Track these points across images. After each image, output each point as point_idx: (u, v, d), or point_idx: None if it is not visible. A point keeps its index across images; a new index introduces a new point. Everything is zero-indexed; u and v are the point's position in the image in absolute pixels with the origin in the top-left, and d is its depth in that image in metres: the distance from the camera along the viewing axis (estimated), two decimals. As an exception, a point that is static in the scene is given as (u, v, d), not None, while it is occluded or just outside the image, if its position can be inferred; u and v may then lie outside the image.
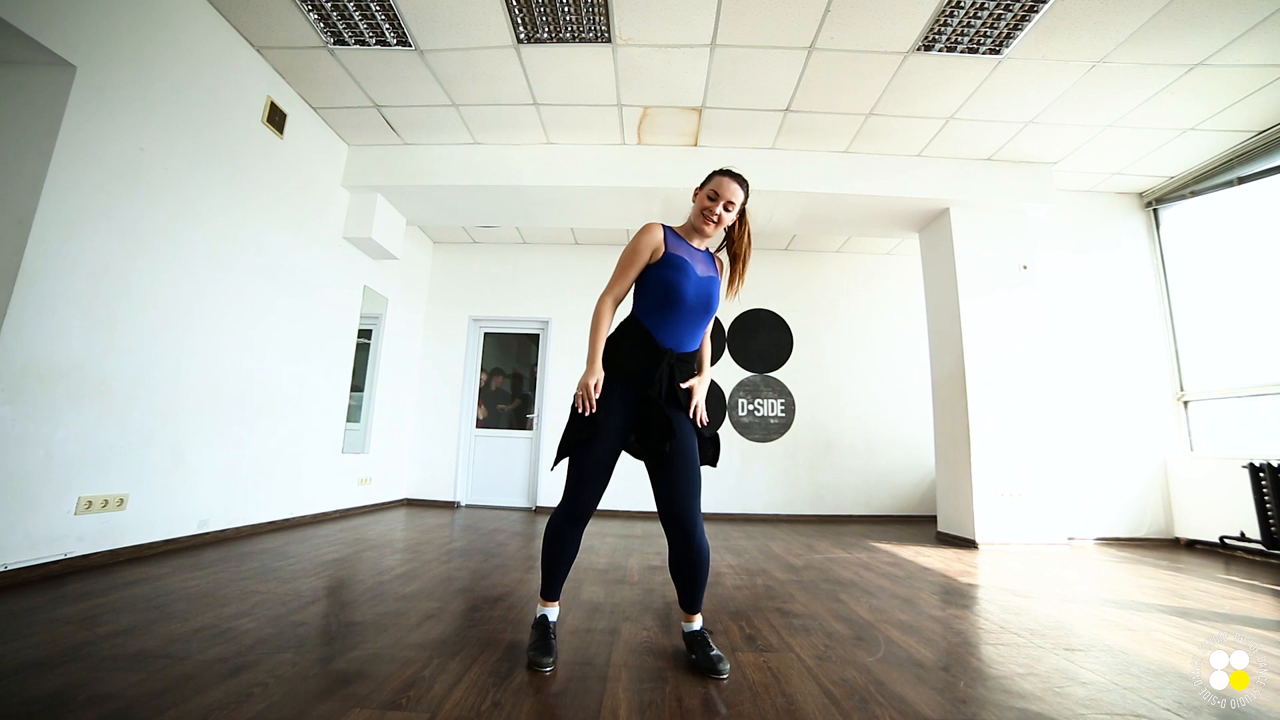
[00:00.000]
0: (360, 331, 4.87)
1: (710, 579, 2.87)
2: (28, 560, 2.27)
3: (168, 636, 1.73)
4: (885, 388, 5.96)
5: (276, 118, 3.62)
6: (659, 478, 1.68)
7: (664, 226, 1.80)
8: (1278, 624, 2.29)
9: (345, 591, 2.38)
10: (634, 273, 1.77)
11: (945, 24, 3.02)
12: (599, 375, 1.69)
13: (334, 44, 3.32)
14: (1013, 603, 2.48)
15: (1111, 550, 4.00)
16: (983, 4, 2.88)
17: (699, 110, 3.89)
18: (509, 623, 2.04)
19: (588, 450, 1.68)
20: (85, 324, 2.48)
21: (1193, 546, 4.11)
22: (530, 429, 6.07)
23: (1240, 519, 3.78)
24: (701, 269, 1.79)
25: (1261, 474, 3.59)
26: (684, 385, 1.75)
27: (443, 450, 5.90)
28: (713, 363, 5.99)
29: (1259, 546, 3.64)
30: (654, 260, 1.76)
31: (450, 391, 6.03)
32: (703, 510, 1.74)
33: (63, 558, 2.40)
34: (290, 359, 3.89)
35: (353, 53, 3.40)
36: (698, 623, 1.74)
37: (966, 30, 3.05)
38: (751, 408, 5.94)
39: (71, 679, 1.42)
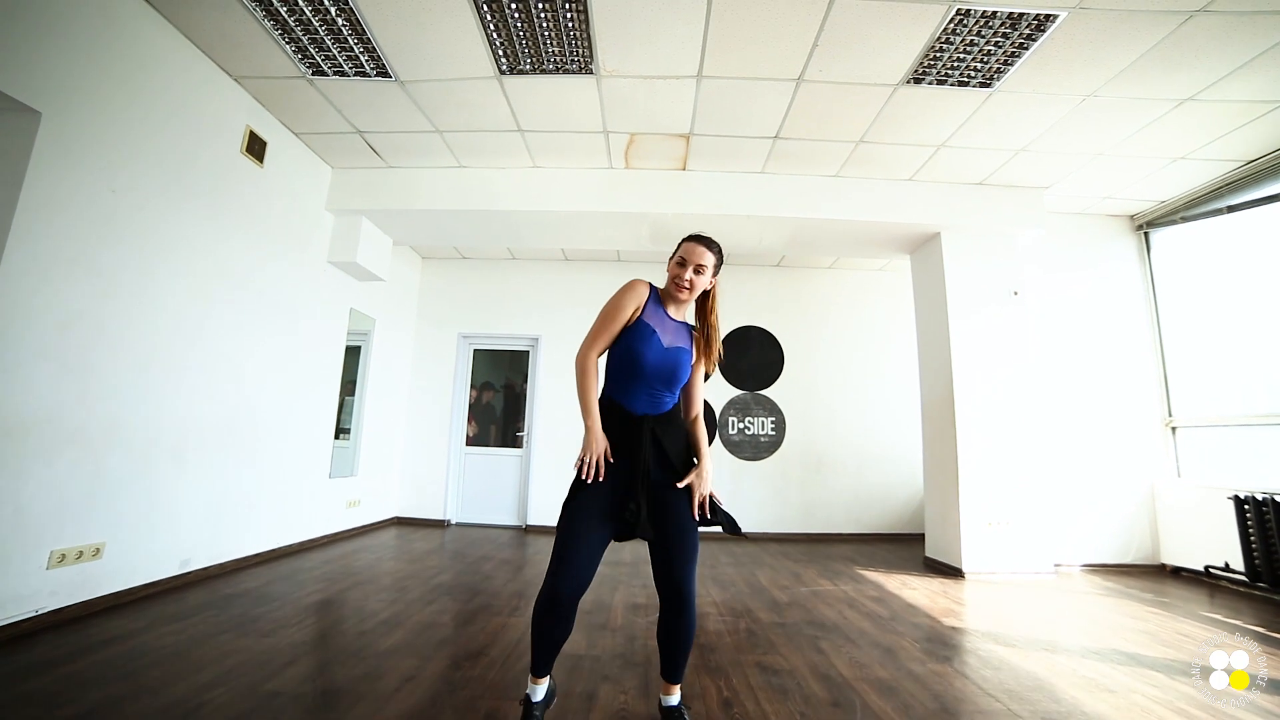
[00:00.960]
0: (349, 349, 4.83)
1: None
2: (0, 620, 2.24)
3: (136, 719, 1.71)
4: (876, 405, 5.95)
5: (256, 146, 3.56)
6: (656, 545, 1.66)
7: (651, 287, 1.79)
8: (1254, 679, 2.30)
9: (325, 647, 2.36)
10: (615, 328, 1.74)
11: (935, 58, 2.98)
12: (604, 442, 1.66)
13: (313, 74, 3.26)
14: (994, 655, 2.48)
15: (1098, 578, 4.01)
16: (973, 40, 2.84)
17: (687, 137, 3.85)
18: (486, 685, 2.02)
19: (570, 532, 1.62)
20: (56, 374, 2.44)
21: (1178, 574, 4.13)
22: (520, 447, 6.05)
23: (1225, 549, 3.79)
24: (670, 339, 1.75)
25: (1246, 506, 3.60)
26: (680, 485, 1.70)
27: (432, 468, 5.87)
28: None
29: (1243, 577, 3.66)
30: (630, 322, 1.74)
31: (440, 409, 6.00)
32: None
33: (34, 614, 2.37)
34: (275, 389, 3.85)
35: (332, 83, 3.33)
36: (676, 697, 1.72)
37: (957, 65, 3.02)
38: (741, 426, 5.93)
39: (32, 780, 1.40)
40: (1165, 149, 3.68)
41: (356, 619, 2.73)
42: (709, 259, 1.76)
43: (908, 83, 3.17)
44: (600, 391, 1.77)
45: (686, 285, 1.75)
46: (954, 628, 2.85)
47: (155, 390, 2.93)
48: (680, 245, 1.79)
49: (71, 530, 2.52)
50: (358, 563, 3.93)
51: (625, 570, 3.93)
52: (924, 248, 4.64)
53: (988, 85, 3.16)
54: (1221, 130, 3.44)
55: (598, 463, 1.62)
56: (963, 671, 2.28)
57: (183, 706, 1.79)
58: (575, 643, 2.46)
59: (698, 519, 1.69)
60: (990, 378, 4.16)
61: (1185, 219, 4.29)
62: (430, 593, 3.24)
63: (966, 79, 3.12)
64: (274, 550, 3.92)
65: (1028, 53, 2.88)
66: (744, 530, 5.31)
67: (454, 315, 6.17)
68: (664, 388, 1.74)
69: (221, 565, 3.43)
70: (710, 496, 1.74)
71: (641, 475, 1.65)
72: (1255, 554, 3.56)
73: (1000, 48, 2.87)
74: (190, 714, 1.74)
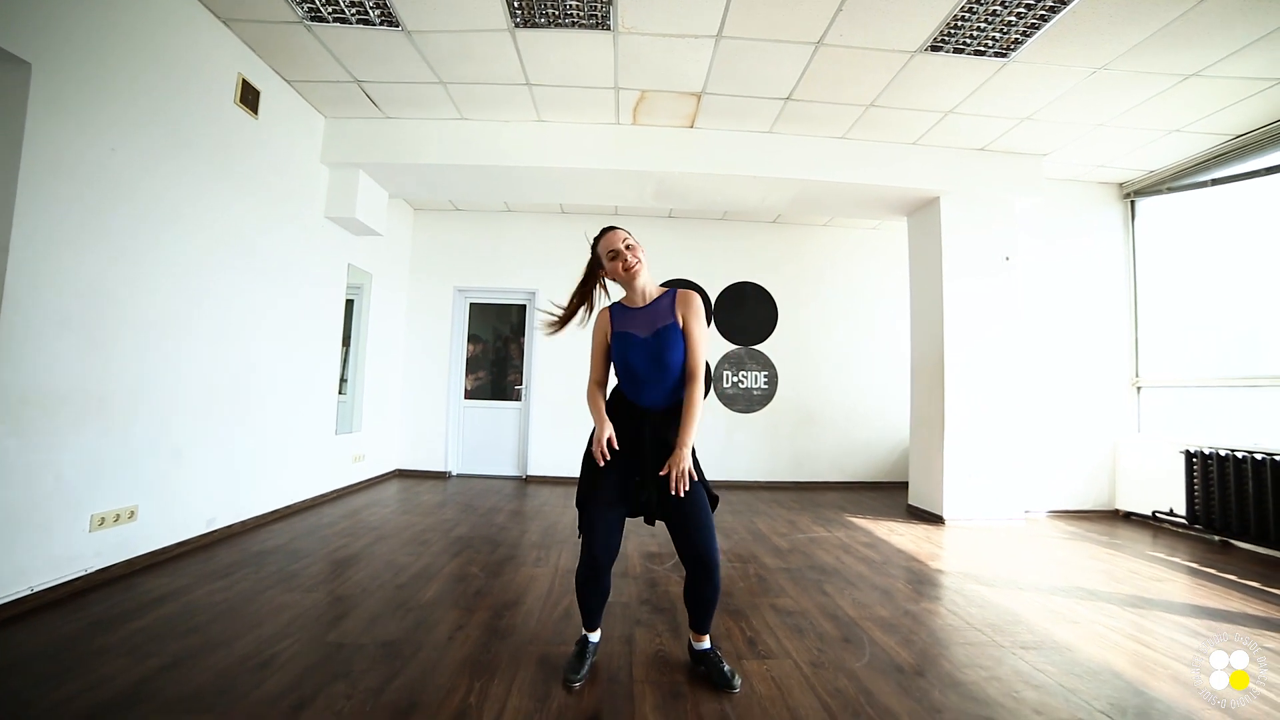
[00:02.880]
0: (345, 303, 4.77)
1: (706, 568, 3.12)
2: (51, 580, 2.33)
3: (217, 669, 1.85)
4: (863, 361, 6.20)
5: (250, 96, 3.37)
6: (672, 523, 1.83)
7: (610, 308, 1.97)
8: (1186, 606, 2.67)
9: (369, 600, 2.51)
10: (602, 359, 1.96)
11: (957, 27, 2.97)
12: (609, 429, 1.83)
13: (311, 20, 3.07)
14: (977, 593, 2.79)
15: (1061, 523, 4.43)
16: (997, 10, 2.84)
17: (698, 95, 3.78)
18: (530, 633, 2.22)
19: (588, 508, 1.85)
20: (79, 344, 2.42)
21: (1129, 518, 4.58)
22: (519, 400, 6.15)
23: (1171, 496, 4.21)
24: (645, 330, 1.86)
25: (1194, 459, 3.98)
26: (661, 473, 1.78)
27: (432, 422, 5.96)
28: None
29: (1183, 521, 4.09)
30: (609, 341, 1.94)
31: (438, 363, 6.03)
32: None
33: (83, 574, 2.46)
34: (280, 348, 3.84)
35: (331, 30, 3.15)
36: (706, 642, 1.93)
37: (977, 34, 3.02)
38: (736, 380, 6.13)
39: (146, 727, 1.54)
40: (1163, 121, 3.79)
41: (390, 572, 2.88)
42: (624, 234, 1.91)
43: (926, 50, 3.17)
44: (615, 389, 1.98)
45: (632, 265, 1.88)
46: (939, 570, 3.17)
47: (171, 355, 2.91)
48: (596, 246, 1.94)
49: (107, 495, 2.57)
50: (373, 517, 4.07)
51: (633, 520, 4.16)
52: (922, 211, 4.73)
53: (1004, 55, 3.18)
54: (1218, 105, 3.55)
55: (605, 446, 1.80)
56: (951, 609, 2.58)
57: (257, 657, 1.93)
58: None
59: (676, 493, 1.75)
60: (979, 339, 4.39)
61: (1171, 189, 4.47)
62: (452, 545, 3.41)
63: (984, 48, 3.13)
64: (290, 506, 4.03)
65: (1048, 24, 2.90)
66: (738, 478, 5.66)
67: (449, 268, 6.08)
68: (659, 371, 1.84)
69: (243, 523, 3.53)
70: (693, 471, 1.79)
71: (644, 463, 1.82)
72: (1196, 501, 3.97)
73: (1022, 19, 2.88)
74: (266, 664, 1.89)
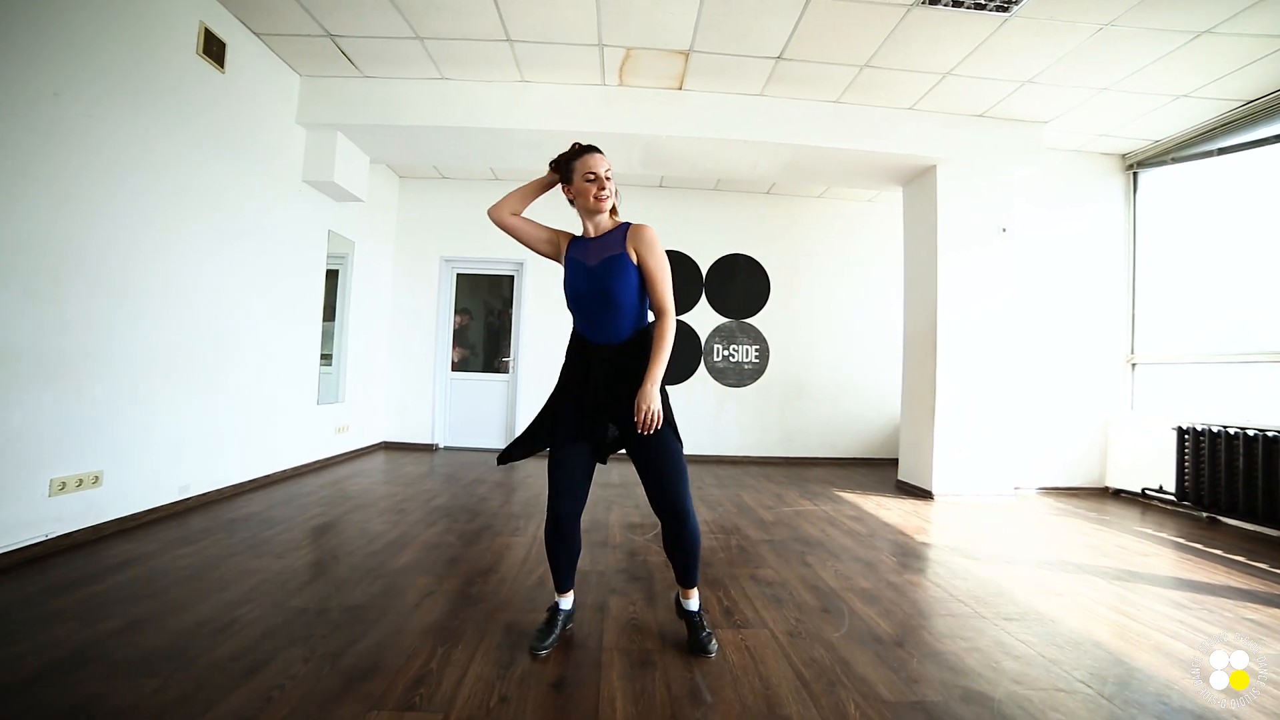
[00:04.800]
0: (328, 273, 4.65)
1: (688, 539, 3.07)
2: (7, 545, 2.25)
3: (174, 632, 1.79)
4: (854, 335, 6.11)
5: (214, 48, 3.21)
6: (643, 472, 1.76)
7: (573, 237, 1.86)
8: (1171, 580, 2.63)
9: (339, 566, 2.46)
10: (533, 223, 1.87)
11: (955, -23, 2.82)
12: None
13: (276, -37, 2.90)
14: (961, 566, 2.74)
15: (1050, 500, 4.39)
16: (997, -42, 2.69)
17: (686, 54, 3.62)
18: (501, 600, 2.17)
19: (553, 459, 1.78)
20: (28, 301, 2.31)
21: (1118, 495, 4.55)
22: (507, 372, 6.07)
23: (1161, 473, 4.17)
24: (594, 258, 1.75)
25: (1186, 436, 3.92)
26: (635, 419, 1.66)
27: (419, 393, 5.89)
28: (688, 309, 6.00)
29: (1172, 498, 4.06)
30: (561, 259, 1.85)
31: (425, 334, 5.93)
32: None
33: (44, 539, 2.39)
34: (257, 314, 3.73)
35: (299, -26, 2.98)
36: (694, 601, 1.86)
37: (976, -15, 2.86)
38: (726, 353, 6.05)
39: (88, 690, 1.47)
40: (1171, 85, 3.64)
41: (364, 540, 2.83)
42: (608, 161, 1.78)
43: (923, 3, 3.01)
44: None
45: (606, 194, 1.75)
46: (925, 543, 3.13)
47: (132, 317, 2.80)
48: (574, 164, 1.75)
49: (68, 459, 2.49)
50: (353, 487, 4.01)
51: (616, 491, 4.12)
52: (918, 180, 4.60)
53: (1005, 10, 3.02)
54: (1230, 67, 3.41)
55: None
56: (935, 581, 2.54)
57: (216, 621, 1.87)
58: (580, 560, 2.61)
59: (643, 433, 1.67)
60: (973, 313, 4.30)
61: (1176, 160, 4.33)
62: (430, 514, 3.36)
63: (985, 1, 2.97)
64: (269, 475, 3.96)
65: (1053, -26, 2.75)
66: (727, 451, 5.60)
67: (435, 238, 5.95)
68: (604, 301, 1.73)
69: (220, 490, 3.47)
70: (660, 413, 1.68)
71: (596, 399, 1.73)
72: (1186, 477, 3.93)
73: (1026, -33, 2.73)
74: (225, 628, 1.83)
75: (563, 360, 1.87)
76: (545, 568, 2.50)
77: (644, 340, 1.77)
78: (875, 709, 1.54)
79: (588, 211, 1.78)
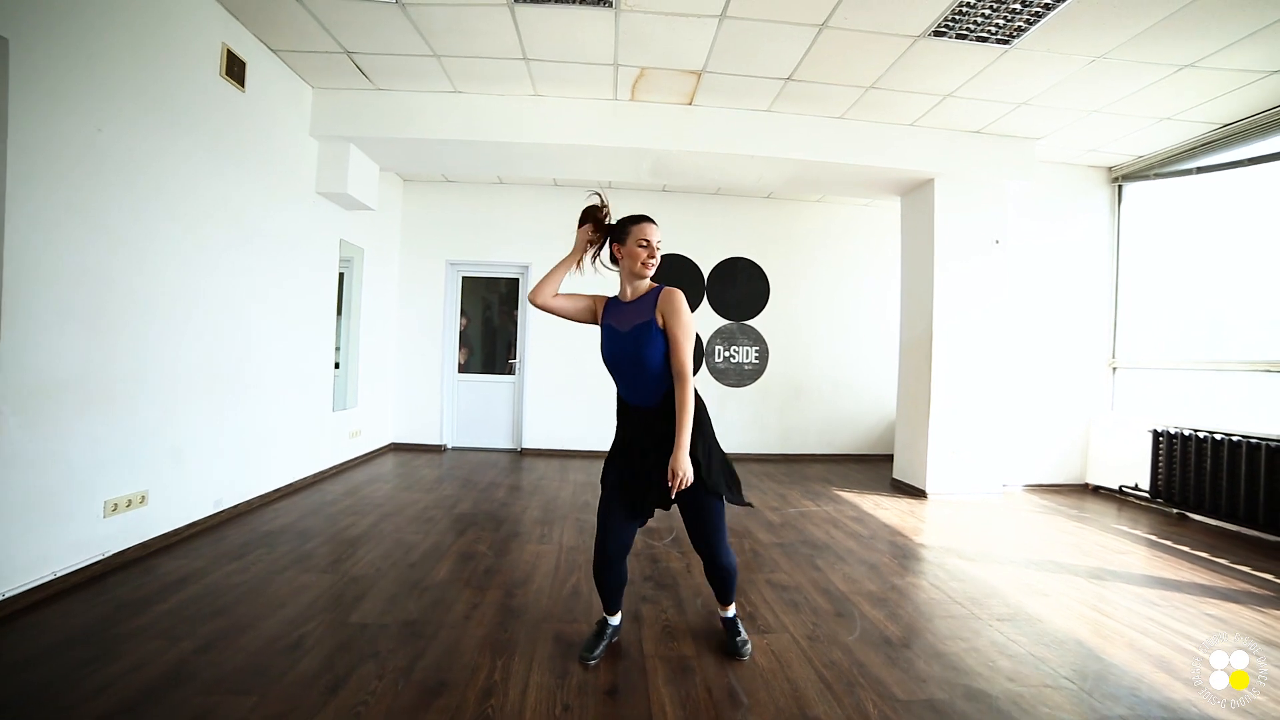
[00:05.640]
0: (338, 276, 4.72)
1: (703, 543, 3.28)
2: (73, 565, 2.38)
3: (251, 650, 1.94)
4: (850, 336, 6.33)
5: (235, 68, 3.25)
6: (685, 519, 1.98)
7: (607, 299, 1.99)
8: (1143, 578, 2.91)
9: (384, 580, 2.61)
10: (570, 297, 1.97)
11: (962, 13, 2.96)
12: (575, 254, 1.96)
13: (301, -11, 2.95)
14: (958, 568, 2.99)
15: (1035, 497, 4.68)
16: (1001, -1, 2.84)
17: (699, 74, 3.73)
18: (543, 611, 2.35)
19: (602, 509, 1.97)
20: (79, 331, 2.40)
21: (1097, 491, 4.86)
22: (513, 373, 6.20)
23: (1136, 472, 4.47)
24: (627, 323, 1.87)
25: (1160, 438, 4.21)
26: (670, 485, 1.79)
27: (427, 395, 6.00)
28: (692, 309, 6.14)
29: (1146, 495, 4.36)
30: (598, 323, 1.99)
31: (431, 337, 6.02)
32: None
33: (101, 558, 2.51)
34: (277, 327, 3.81)
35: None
36: (732, 611, 2.11)
37: (982, 20, 3.01)
38: (727, 354, 6.23)
39: (195, 706, 1.63)
40: (1156, 109, 3.85)
41: (401, 551, 2.98)
42: (660, 233, 1.92)
43: (930, 35, 3.16)
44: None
45: (653, 264, 1.89)
46: (922, 544, 3.37)
47: (171, 338, 2.90)
48: (630, 229, 1.88)
49: (117, 480, 2.61)
50: (375, 494, 4.15)
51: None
52: (917, 192, 4.78)
53: (1006, 42, 3.18)
54: (1210, 95, 3.61)
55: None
56: (933, 583, 2.78)
57: (285, 639, 2.03)
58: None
59: (674, 499, 1.85)
60: (966, 321, 4.52)
61: (1159, 175, 4.56)
62: (457, 522, 3.52)
63: (987, 35, 3.13)
64: (293, 484, 4.08)
65: (1052, 13, 2.91)
66: (729, 450, 5.81)
67: (441, 242, 6.01)
68: (634, 367, 1.85)
69: (248, 502, 3.59)
70: (703, 469, 1.84)
71: (635, 466, 1.88)
72: (1160, 476, 4.23)
73: (1027, 7, 2.88)
74: (295, 646, 1.99)
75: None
76: (578, 576, 2.70)
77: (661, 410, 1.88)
78: (891, 707, 1.76)
79: (631, 275, 1.91)
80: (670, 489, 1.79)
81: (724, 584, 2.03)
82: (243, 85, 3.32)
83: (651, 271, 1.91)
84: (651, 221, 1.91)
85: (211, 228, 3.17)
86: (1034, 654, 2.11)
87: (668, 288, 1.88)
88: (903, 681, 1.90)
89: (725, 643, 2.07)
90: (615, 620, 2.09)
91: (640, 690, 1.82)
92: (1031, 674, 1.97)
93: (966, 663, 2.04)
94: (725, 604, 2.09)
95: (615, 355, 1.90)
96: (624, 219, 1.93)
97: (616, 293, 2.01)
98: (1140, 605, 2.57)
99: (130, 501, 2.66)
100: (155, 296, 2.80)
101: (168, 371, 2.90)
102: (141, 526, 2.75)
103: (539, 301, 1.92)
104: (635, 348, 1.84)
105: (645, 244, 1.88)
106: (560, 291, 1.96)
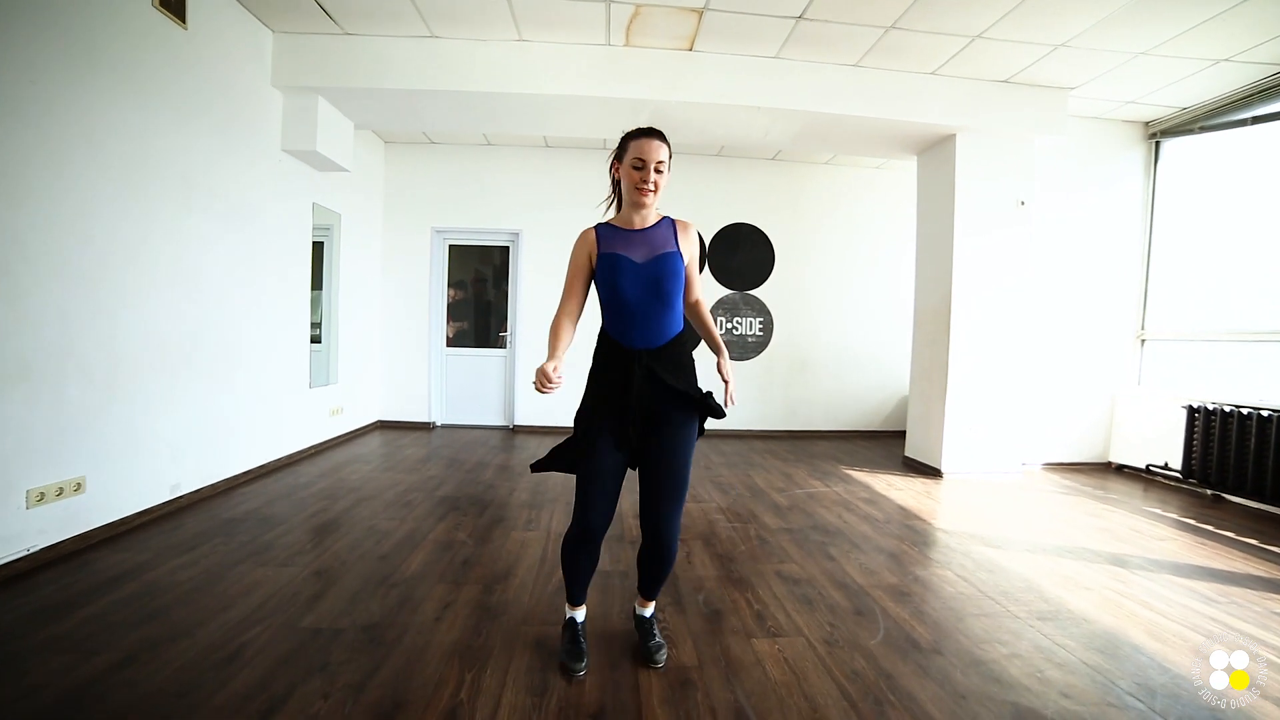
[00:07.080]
0: (314, 247, 4.37)
1: (705, 528, 3.02)
2: (-11, 562, 2.10)
3: (177, 665, 1.66)
4: (859, 307, 6.00)
5: (172, 1, 2.85)
6: (645, 481, 1.67)
7: (596, 228, 1.68)
8: (1192, 568, 2.63)
9: (348, 574, 2.34)
10: (580, 285, 1.69)
11: (1002, -72, 2.56)
12: (556, 360, 1.55)
13: (241, -100, 2.54)
14: (985, 557, 2.71)
15: (1056, 476, 4.41)
16: (1051, -93, 2.44)
17: (700, 12, 3.32)
18: (524, 610, 2.07)
19: (586, 470, 1.65)
20: (-15, 297, 2.07)
21: (1121, 471, 4.59)
22: (504, 347, 5.88)
23: (1166, 450, 4.18)
24: (642, 254, 1.63)
25: (1196, 414, 3.92)
26: (727, 381, 1.73)
27: (414, 371, 5.70)
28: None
29: (1177, 474, 4.08)
30: (595, 265, 1.67)
31: (418, 310, 5.69)
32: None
33: (26, 553, 2.23)
34: (240, 299, 3.48)
35: (268, -86, 2.62)
36: (650, 609, 1.85)
37: (1024, -63, 2.61)
38: (730, 326, 5.91)
39: (92, 742, 1.36)
40: (1213, 49, 3.44)
41: (372, 540, 2.71)
42: (666, 153, 1.61)
43: (965, -44, 2.76)
44: (600, 333, 1.73)
45: (651, 187, 1.59)
46: (943, 529, 3.10)
47: (105, 310, 2.56)
48: (629, 144, 1.61)
49: (45, 468, 2.31)
50: (353, 476, 3.87)
51: (629, 479, 4.03)
52: (935, 149, 4.40)
53: (1052, -35, 2.78)
54: (1278, 30, 3.21)
55: (543, 376, 1.47)
56: (960, 574, 2.50)
57: (224, 649, 1.75)
58: (600, 560, 2.53)
59: (725, 412, 1.71)
60: (988, 290, 4.19)
61: (1204, 128, 4.17)
62: (437, 507, 3.25)
63: (1032, -45, 2.73)
64: (264, 466, 3.80)
65: (1109, -74, 2.51)
66: (731, 426, 5.52)
67: (425, 208, 5.64)
68: (656, 302, 1.62)
69: (213, 486, 3.31)
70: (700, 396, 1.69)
71: (633, 409, 1.62)
72: (1194, 455, 3.94)
73: (1081, -82, 2.48)
74: (234, 657, 1.71)
75: (590, 366, 1.73)
76: (566, 571, 2.42)
77: (676, 346, 1.69)
78: (928, 732, 1.49)
79: (632, 200, 1.63)
80: (727, 395, 1.71)
81: (661, 574, 1.74)
82: (183, 20, 2.93)
83: (648, 200, 1.61)
84: (654, 137, 1.60)
85: (155, 182, 2.82)
86: (1086, 662, 1.84)
87: (681, 220, 1.72)
88: (939, 699, 1.63)
89: (640, 644, 1.79)
90: (582, 615, 1.82)
91: (631, 711, 1.55)
92: (1089, 688, 1.70)
93: (1010, 673, 1.77)
94: (650, 597, 1.82)
95: (628, 289, 1.61)
96: (626, 133, 1.64)
97: (605, 219, 1.73)
98: (1195, 601, 2.29)
99: (61, 490, 2.37)
100: (85, 262, 2.46)
101: (106, 347, 2.58)
102: (79, 517, 2.46)
103: (567, 338, 1.66)
104: (659, 279, 1.61)
105: (640, 164, 1.57)
106: (563, 305, 1.70)
